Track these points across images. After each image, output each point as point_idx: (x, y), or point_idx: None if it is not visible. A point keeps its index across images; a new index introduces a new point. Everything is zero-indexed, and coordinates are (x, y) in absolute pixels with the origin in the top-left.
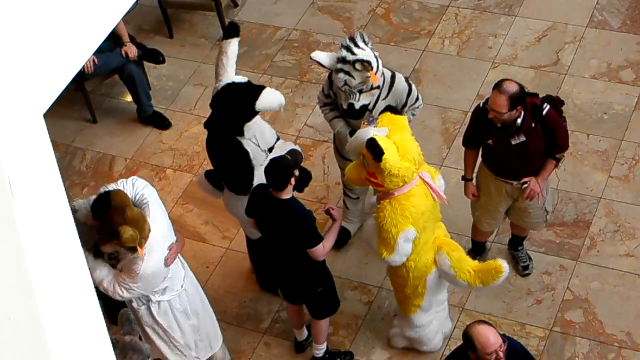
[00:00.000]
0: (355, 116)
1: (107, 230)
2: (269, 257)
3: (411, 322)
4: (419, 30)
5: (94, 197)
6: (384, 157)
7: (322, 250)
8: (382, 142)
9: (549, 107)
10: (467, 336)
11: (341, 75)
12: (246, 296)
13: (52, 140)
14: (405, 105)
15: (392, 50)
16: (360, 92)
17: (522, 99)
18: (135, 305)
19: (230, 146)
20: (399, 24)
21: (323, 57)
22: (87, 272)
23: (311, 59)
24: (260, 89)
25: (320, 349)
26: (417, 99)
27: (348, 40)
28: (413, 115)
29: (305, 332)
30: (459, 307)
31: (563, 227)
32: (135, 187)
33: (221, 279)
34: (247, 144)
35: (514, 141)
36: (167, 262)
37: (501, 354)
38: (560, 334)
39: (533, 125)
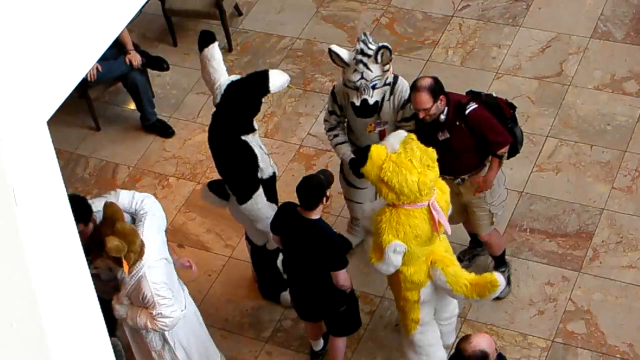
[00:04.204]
0: (367, 113)
1: (96, 243)
2: (290, 274)
3: (413, 344)
4: (422, 39)
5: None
6: (362, 168)
7: (345, 274)
8: (376, 156)
9: (474, 106)
10: (476, 353)
11: (360, 67)
12: (248, 304)
13: (55, 148)
14: (402, 107)
15: (395, 60)
16: (374, 87)
17: (441, 88)
18: (144, 331)
19: (237, 147)
20: (402, 34)
21: (342, 50)
22: (89, 280)
23: (330, 50)
24: (265, 71)
25: None
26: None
27: (363, 36)
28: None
29: (322, 342)
30: (460, 317)
31: (565, 238)
32: (142, 204)
33: (223, 287)
34: (254, 145)
35: (440, 137)
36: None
37: None
38: (562, 345)
39: (457, 122)
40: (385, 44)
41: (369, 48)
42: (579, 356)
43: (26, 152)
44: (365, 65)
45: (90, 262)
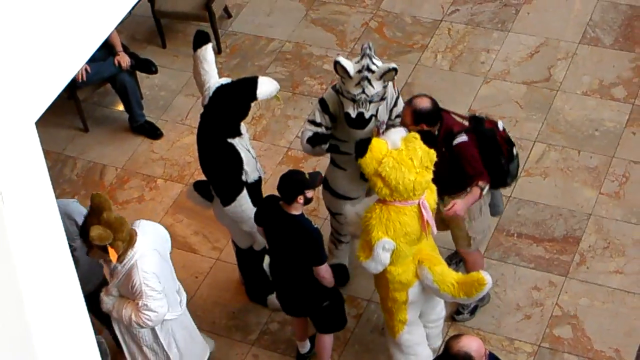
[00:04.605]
0: (362, 125)
1: (84, 234)
2: (274, 268)
3: (400, 345)
4: (411, 44)
5: None
6: (360, 159)
7: (326, 268)
8: (376, 149)
9: (462, 139)
10: (460, 353)
11: (364, 83)
12: (235, 307)
13: (43, 148)
14: (395, 104)
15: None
16: (371, 102)
17: (430, 117)
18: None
19: (222, 149)
20: (391, 38)
21: (348, 64)
22: (76, 280)
23: (337, 62)
24: (255, 78)
25: None
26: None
27: (368, 50)
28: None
29: (308, 344)
30: (447, 321)
31: (552, 243)
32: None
33: (210, 289)
34: (241, 148)
35: None
36: None
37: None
38: (548, 350)
39: (443, 149)
40: (395, 66)
41: (374, 64)
42: None
43: (14, 153)
44: (369, 81)
45: (88, 254)
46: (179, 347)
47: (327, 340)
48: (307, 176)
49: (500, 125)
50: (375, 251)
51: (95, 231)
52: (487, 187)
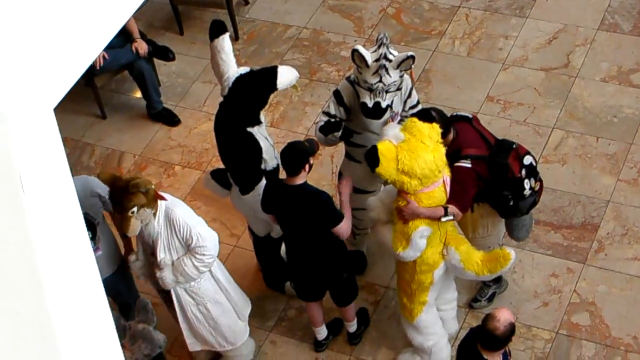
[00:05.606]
0: (379, 115)
1: (119, 200)
2: (290, 253)
3: (418, 327)
4: (429, 30)
5: None
6: (377, 169)
7: (345, 225)
8: (386, 151)
9: (464, 164)
10: (507, 328)
11: (382, 71)
12: (252, 294)
13: (61, 135)
14: (409, 95)
15: (402, 50)
16: (387, 91)
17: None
18: (196, 281)
19: (242, 139)
20: (409, 24)
21: (366, 52)
22: (95, 267)
23: (355, 50)
24: (274, 68)
25: (354, 324)
26: (418, 103)
27: (384, 39)
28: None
29: (325, 330)
30: (464, 307)
31: (571, 230)
32: None
33: None
34: (260, 137)
35: None
36: None
37: None
38: (566, 337)
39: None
40: (412, 54)
41: (391, 53)
42: (583, 348)
43: (33, 140)
44: (387, 70)
45: (122, 231)
46: (235, 294)
47: (352, 306)
48: (306, 144)
49: (528, 160)
50: (414, 240)
51: (137, 179)
52: (451, 217)
